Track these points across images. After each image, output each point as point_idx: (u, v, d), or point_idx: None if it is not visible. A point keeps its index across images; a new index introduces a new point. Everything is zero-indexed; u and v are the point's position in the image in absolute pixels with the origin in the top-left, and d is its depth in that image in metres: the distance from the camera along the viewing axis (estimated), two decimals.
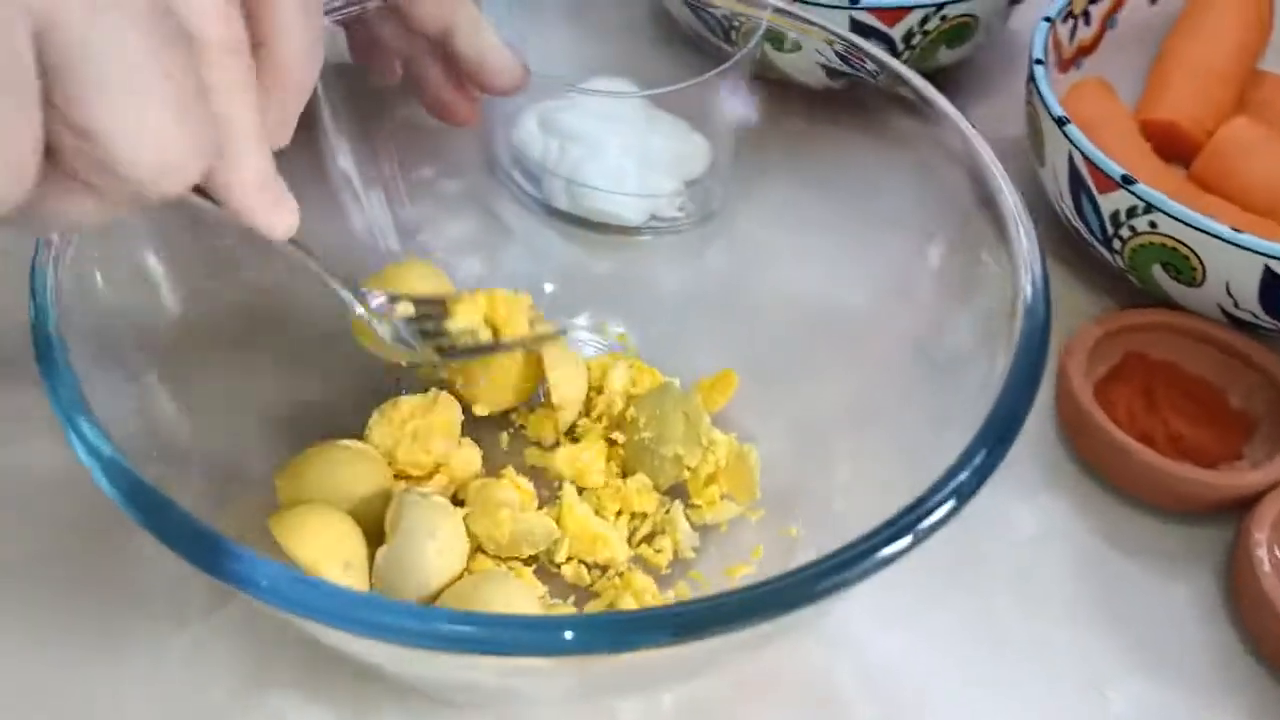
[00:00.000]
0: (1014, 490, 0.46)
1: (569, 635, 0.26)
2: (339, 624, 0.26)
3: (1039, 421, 0.48)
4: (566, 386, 0.43)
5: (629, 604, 0.39)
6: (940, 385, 0.38)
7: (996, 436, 0.32)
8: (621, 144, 0.51)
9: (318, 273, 0.35)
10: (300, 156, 0.42)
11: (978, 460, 0.31)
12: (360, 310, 0.37)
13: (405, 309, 0.38)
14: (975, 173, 0.39)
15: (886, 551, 0.29)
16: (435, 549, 0.37)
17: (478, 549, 0.40)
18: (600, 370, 0.45)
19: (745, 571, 0.40)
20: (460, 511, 0.40)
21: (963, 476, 0.30)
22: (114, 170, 0.23)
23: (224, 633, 0.39)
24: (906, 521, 0.29)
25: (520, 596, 0.37)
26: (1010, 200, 0.37)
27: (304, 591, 0.26)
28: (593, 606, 0.40)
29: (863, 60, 0.44)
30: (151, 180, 0.24)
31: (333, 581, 0.28)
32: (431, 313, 0.39)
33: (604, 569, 0.41)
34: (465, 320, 0.39)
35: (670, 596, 0.40)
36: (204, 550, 0.27)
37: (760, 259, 0.49)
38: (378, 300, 0.37)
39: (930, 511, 0.30)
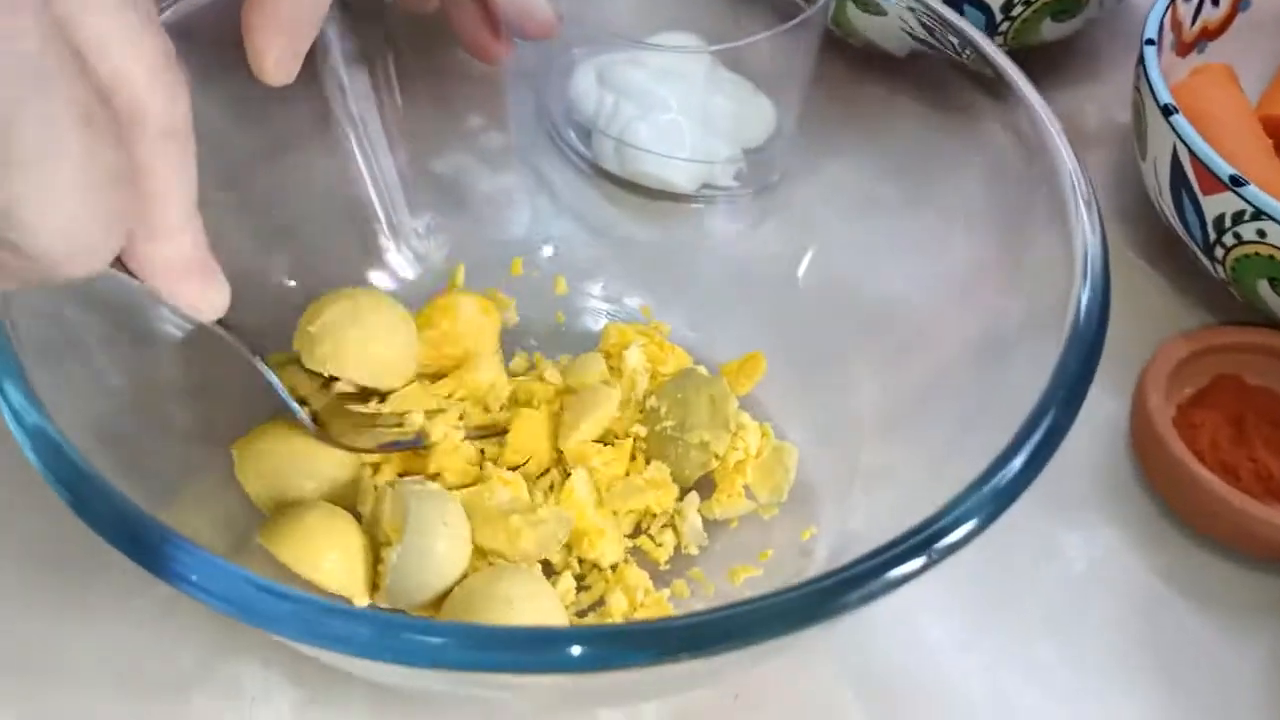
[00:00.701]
0: (1069, 515, 0.41)
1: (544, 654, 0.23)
2: (305, 639, 0.23)
3: (1109, 440, 0.43)
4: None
5: (618, 601, 0.36)
6: (985, 392, 0.34)
7: (1029, 455, 0.28)
8: (680, 103, 0.48)
9: (244, 354, 0.34)
10: (303, 100, 0.40)
11: (1005, 478, 0.27)
12: (284, 396, 0.35)
13: (343, 389, 0.37)
14: (1046, 165, 0.35)
15: (897, 573, 0.25)
16: (448, 538, 0.34)
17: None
18: (619, 342, 0.42)
19: (749, 574, 0.37)
20: (458, 495, 0.36)
21: (985, 494, 0.27)
22: (18, 247, 0.22)
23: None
24: (920, 540, 0.26)
25: (546, 594, 0.34)
26: (1079, 199, 0.33)
27: (252, 596, 0.24)
28: (581, 599, 0.37)
29: (945, 31, 0.40)
30: (58, 260, 0.22)
31: (286, 587, 0.25)
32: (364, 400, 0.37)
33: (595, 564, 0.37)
34: (399, 406, 0.37)
35: (665, 595, 0.37)
36: (130, 540, 0.25)
37: (813, 238, 0.45)
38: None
39: (947, 531, 0.26)
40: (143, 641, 0.36)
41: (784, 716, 0.35)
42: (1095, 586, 0.39)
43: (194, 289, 0.27)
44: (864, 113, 0.45)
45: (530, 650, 0.22)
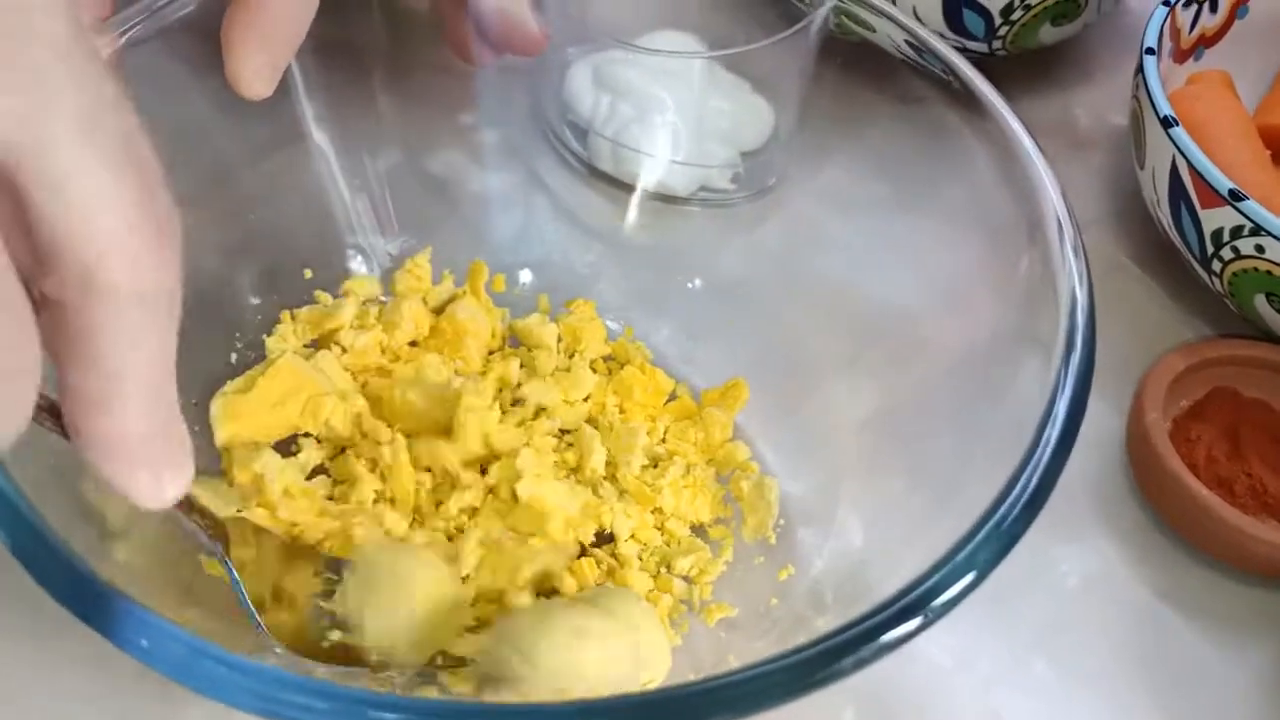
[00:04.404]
0: (1063, 528, 0.41)
1: None
2: (260, 711, 0.23)
3: (1104, 452, 0.43)
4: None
5: None
6: (977, 419, 0.33)
7: (1025, 502, 0.28)
8: (677, 105, 0.47)
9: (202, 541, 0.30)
10: (282, 106, 0.39)
11: (1000, 526, 0.27)
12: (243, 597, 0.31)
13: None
14: (1029, 189, 0.35)
15: (892, 635, 0.25)
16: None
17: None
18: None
19: (725, 615, 0.36)
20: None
21: (976, 545, 0.27)
22: None
23: None
24: (916, 598, 0.26)
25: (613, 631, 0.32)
26: (1059, 226, 0.33)
27: (200, 664, 0.23)
28: None
29: (929, 55, 0.40)
30: None
31: (239, 658, 0.23)
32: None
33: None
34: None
35: None
36: (77, 600, 0.24)
37: (810, 244, 0.44)
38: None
39: (944, 587, 0.26)
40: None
41: None
42: (1090, 601, 0.39)
43: (141, 478, 0.21)
44: (861, 117, 0.44)
45: None
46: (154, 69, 0.35)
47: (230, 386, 0.38)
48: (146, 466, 0.21)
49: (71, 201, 0.18)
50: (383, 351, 0.41)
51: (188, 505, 0.29)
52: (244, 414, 0.37)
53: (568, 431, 0.41)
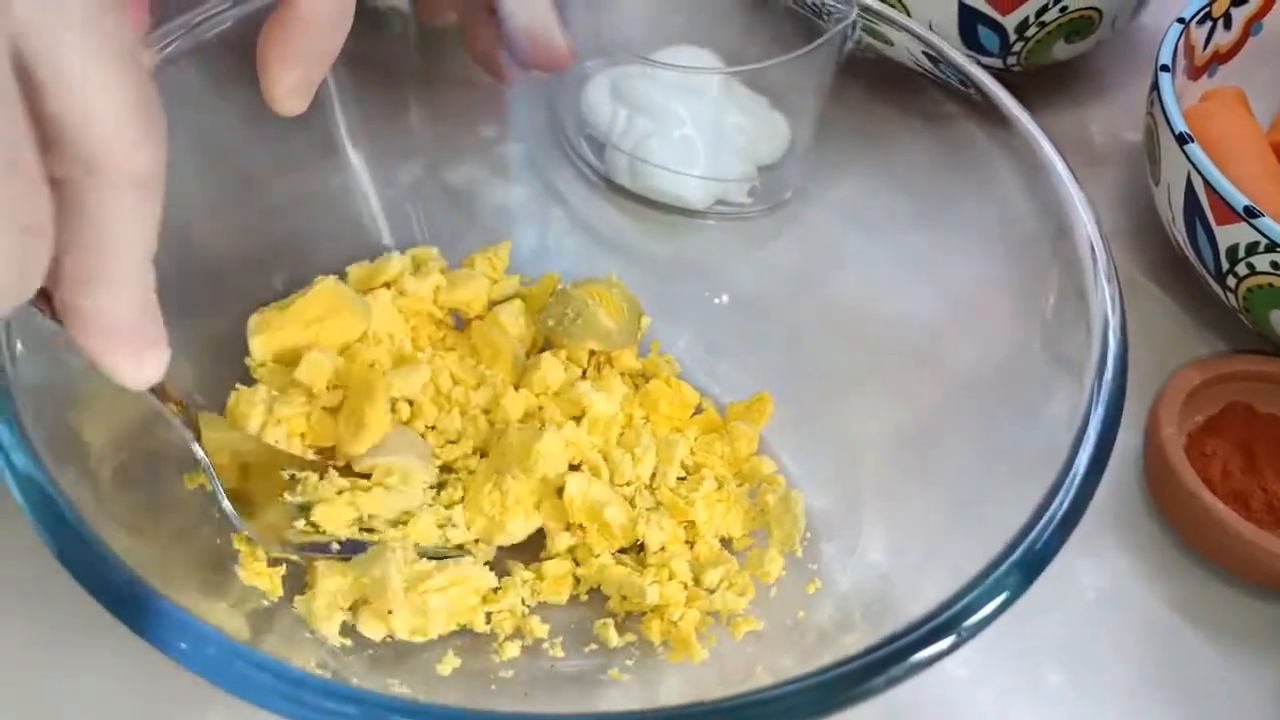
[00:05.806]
0: (1079, 542, 0.39)
1: None
2: (295, 714, 0.23)
3: (1121, 467, 0.43)
4: None
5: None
6: (1001, 437, 0.34)
7: (1058, 525, 0.28)
8: (694, 119, 0.47)
9: (177, 429, 0.31)
10: (314, 119, 0.39)
11: (1033, 548, 0.28)
12: (219, 494, 0.32)
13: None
14: (1056, 206, 0.35)
15: (924, 655, 0.26)
16: None
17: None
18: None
19: (751, 628, 0.36)
20: None
21: (1009, 567, 0.27)
22: None
23: None
24: (948, 617, 0.26)
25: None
26: (1092, 250, 0.33)
27: (236, 667, 0.24)
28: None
29: (948, 67, 0.40)
30: None
31: (276, 661, 0.24)
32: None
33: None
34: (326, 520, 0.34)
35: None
36: (117, 601, 0.25)
37: (827, 257, 0.45)
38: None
39: (976, 607, 0.26)
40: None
41: None
42: (1107, 615, 0.39)
43: (125, 357, 0.24)
44: (878, 131, 0.45)
45: None
46: (190, 83, 0.36)
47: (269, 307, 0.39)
48: (129, 345, 0.23)
49: (80, 95, 0.20)
50: (436, 303, 0.41)
51: (162, 391, 0.30)
52: (280, 326, 0.38)
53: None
